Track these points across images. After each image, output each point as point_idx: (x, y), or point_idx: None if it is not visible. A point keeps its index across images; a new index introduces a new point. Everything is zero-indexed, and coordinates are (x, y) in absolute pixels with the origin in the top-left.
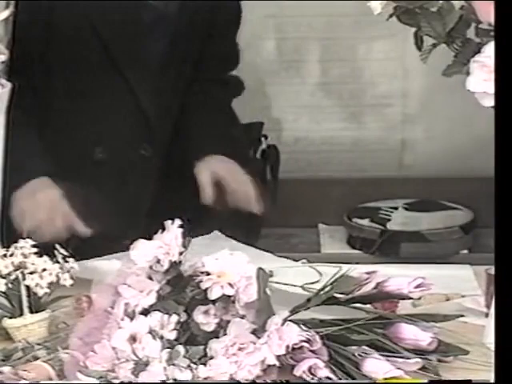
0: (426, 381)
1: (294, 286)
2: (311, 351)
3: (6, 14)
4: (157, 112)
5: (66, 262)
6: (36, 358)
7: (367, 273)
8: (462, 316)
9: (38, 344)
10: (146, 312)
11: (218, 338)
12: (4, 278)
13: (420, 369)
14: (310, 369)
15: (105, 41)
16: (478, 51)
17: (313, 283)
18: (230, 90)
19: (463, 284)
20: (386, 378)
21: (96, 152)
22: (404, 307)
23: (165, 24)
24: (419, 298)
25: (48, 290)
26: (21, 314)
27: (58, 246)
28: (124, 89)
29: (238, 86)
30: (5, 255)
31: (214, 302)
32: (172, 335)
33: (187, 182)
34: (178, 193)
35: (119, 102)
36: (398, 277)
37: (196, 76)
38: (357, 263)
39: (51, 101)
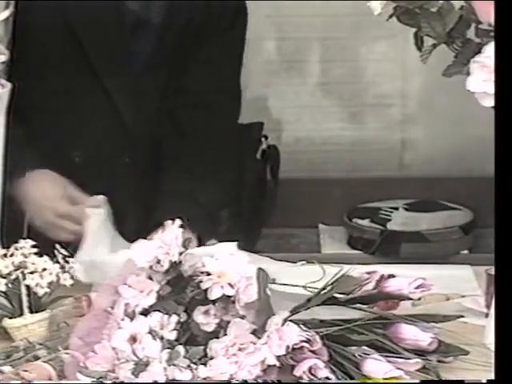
0: (417, 381)
1: (297, 286)
2: (311, 351)
3: (5, 14)
4: (135, 117)
5: (66, 262)
6: (37, 358)
7: (367, 273)
8: (462, 316)
9: (40, 344)
10: (146, 312)
11: (218, 338)
12: (4, 277)
13: (420, 369)
14: (310, 369)
15: (83, 43)
16: (478, 51)
17: (315, 282)
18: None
19: (463, 284)
20: (385, 379)
21: (74, 155)
22: (404, 307)
23: (147, 29)
24: (419, 299)
25: (48, 290)
26: (21, 314)
27: (58, 246)
28: (101, 92)
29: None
30: (5, 255)
31: (214, 302)
32: (172, 335)
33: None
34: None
35: (97, 105)
36: (398, 277)
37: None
38: (357, 263)
39: (32, 100)
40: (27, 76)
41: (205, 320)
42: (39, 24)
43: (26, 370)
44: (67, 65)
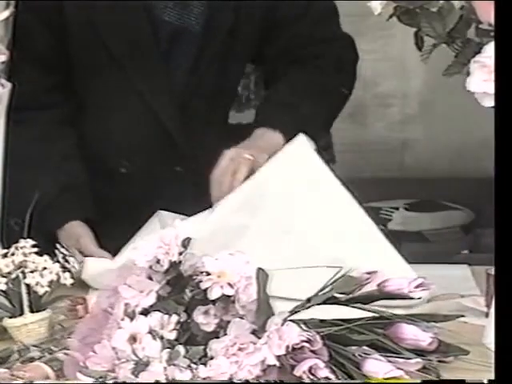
0: (419, 381)
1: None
2: (311, 351)
3: (5, 14)
4: (180, 129)
5: (67, 261)
6: (32, 360)
7: (367, 273)
8: (462, 316)
9: (34, 346)
10: (146, 312)
11: (218, 338)
12: (4, 277)
13: (420, 369)
14: (310, 369)
15: (121, 60)
16: (478, 51)
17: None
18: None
19: (461, 284)
20: (386, 378)
21: (120, 166)
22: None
23: (186, 39)
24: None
25: (48, 289)
26: (21, 314)
27: (58, 246)
28: (145, 107)
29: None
30: (5, 254)
31: (213, 302)
32: (172, 335)
33: None
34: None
35: (140, 118)
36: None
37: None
38: None
39: (74, 115)
40: (72, 91)
41: (205, 320)
42: (75, 41)
43: (22, 370)
44: (106, 78)
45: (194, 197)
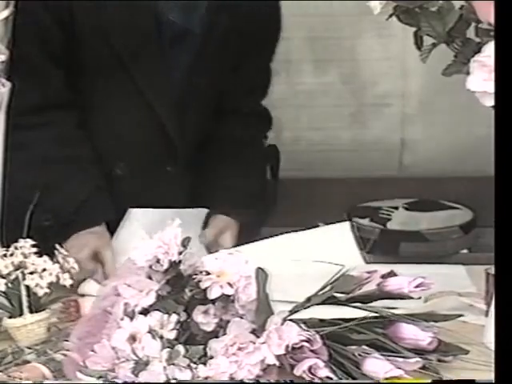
0: (429, 381)
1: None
2: (311, 351)
3: (5, 13)
4: (178, 129)
5: (66, 262)
6: (26, 362)
7: (367, 272)
8: (462, 316)
9: (29, 348)
10: (145, 312)
11: (217, 337)
12: (4, 277)
13: (420, 368)
14: (310, 368)
15: (123, 56)
16: (478, 51)
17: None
18: (264, 125)
19: (457, 282)
20: (387, 378)
21: (116, 167)
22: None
23: (187, 40)
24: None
25: (48, 290)
26: (21, 314)
27: (58, 246)
28: (143, 104)
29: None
30: (5, 255)
31: (213, 301)
32: (172, 335)
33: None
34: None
35: (138, 116)
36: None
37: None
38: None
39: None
40: (71, 91)
41: (204, 319)
42: (79, 38)
43: (19, 371)
44: (108, 78)
45: (189, 197)
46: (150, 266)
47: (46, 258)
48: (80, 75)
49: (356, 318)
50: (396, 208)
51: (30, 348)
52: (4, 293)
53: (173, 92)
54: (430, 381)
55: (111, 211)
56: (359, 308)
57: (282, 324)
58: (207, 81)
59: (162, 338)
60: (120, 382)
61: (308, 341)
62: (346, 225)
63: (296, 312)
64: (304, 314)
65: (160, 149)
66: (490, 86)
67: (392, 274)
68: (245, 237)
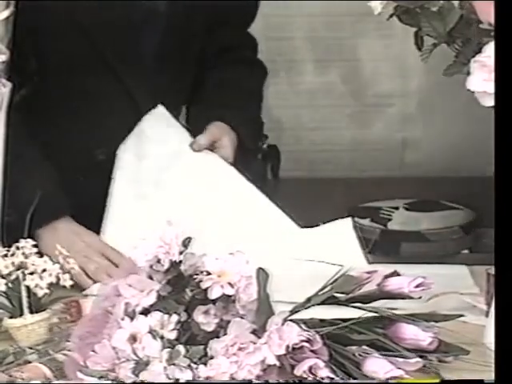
0: (437, 380)
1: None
2: (312, 351)
3: (5, 13)
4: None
5: (67, 262)
6: (28, 362)
7: (368, 272)
8: (463, 316)
9: (30, 348)
10: (146, 312)
11: (218, 337)
12: (4, 277)
13: (421, 368)
14: (310, 369)
15: (97, 44)
16: (479, 51)
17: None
18: (258, 73)
19: (460, 282)
20: (387, 378)
21: (96, 154)
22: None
23: (155, 20)
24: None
25: (48, 291)
26: (21, 314)
27: (58, 246)
28: (120, 90)
29: (265, 70)
30: (5, 255)
31: (214, 301)
32: (172, 335)
33: None
34: None
35: (116, 103)
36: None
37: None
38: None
39: (52, 102)
40: (47, 79)
41: (205, 319)
42: (52, 26)
43: (20, 371)
44: (83, 66)
45: None
46: (151, 266)
47: (46, 258)
48: (56, 67)
49: (356, 318)
50: (396, 208)
51: (31, 348)
52: (4, 293)
53: (148, 75)
54: (438, 381)
55: (67, 206)
56: (359, 308)
57: (283, 324)
58: (179, 63)
59: (162, 338)
60: (120, 382)
61: (308, 341)
62: (349, 222)
63: (296, 312)
64: (304, 315)
65: None
66: (489, 86)
67: (395, 274)
68: (243, 153)
